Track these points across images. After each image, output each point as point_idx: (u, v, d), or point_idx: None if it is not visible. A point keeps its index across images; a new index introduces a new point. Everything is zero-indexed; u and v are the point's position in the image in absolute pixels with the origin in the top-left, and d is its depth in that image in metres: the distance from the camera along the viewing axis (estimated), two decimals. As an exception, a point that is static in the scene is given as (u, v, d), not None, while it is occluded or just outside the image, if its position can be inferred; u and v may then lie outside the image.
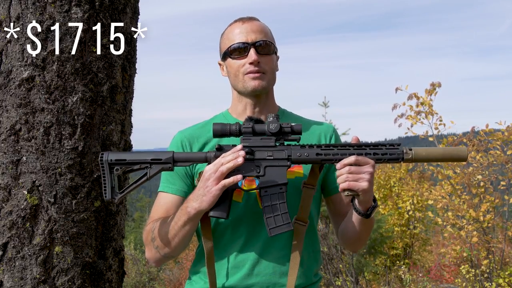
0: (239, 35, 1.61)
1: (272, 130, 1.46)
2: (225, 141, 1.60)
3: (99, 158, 1.49)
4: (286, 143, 1.51)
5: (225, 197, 1.46)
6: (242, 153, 1.42)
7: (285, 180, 1.48)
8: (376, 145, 1.48)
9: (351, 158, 1.42)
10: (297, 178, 1.60)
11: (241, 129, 1.48)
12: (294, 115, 1.76)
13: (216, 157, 1.47)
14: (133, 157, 1.50)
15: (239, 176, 1.41)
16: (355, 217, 1.53)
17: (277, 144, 1.49)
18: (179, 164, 1.49)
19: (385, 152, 1.47)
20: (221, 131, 1.48)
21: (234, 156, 1.41)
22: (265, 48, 1.61)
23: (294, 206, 1.57)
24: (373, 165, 1.43)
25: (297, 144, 1.50)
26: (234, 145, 1.49)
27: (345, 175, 1.41)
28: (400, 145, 1.49)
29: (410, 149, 1.47)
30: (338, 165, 1.44)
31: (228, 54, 1.63)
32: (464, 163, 5.95)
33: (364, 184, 1.40)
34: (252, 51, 1.58)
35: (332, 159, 1.47)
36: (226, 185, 1.40)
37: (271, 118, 1.48)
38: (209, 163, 1.47)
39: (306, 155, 1.48)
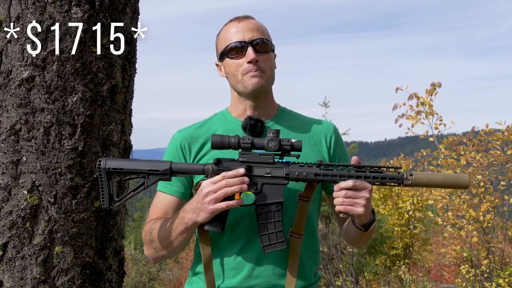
0: (235, 34, 1.59)
1: (271, 149, 1.44)
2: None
3: (96, 165, 1.49)
4: (285, 158, 1.50)
5: (222, 212, 1.45)
6: (247, 180, 1.42)
7: (281, 198, 1.47)
8: (376, 168, 1.46)
9: (349, 183, 1.41)
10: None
11: (240, 143, 1.47)
12: (293, 114, 1.75)
13: (213, 171, 1.46)
14: (131, 166, 1.49)
15: (241, 200, 1.44)
16: (353, 228, 1.53)
17: (277, 159, 1.48)
18: (177, 175, 1.51)
19: (385, 176, 1.44)
20: (220, 143, 1.47)
21: (239, 181, 1.41)
22: (262, 46, 1.59)
23: (288, 211, 1.55)
24: (370, 190, 1.41)
25: (296, 162, 1.48)
26: (233, 159, 1.49)
27: (341, 199, 1.41)
28: (401, 169, 1.47)
29: (411, 174, 1.45)
30: (335, 187, 1.43)
31: (226, 54, 1.61)
32: (464, 163, 5.97)
33: (359, 210, 1.40)
34: (250, 50, 1.57)
35: (330, 180, 1.45)
36: (229, 207, 1.42)
37: (271, 134, 1.45)
38: (207, 176, 1.47)
39: (304, 175, 1.46)
